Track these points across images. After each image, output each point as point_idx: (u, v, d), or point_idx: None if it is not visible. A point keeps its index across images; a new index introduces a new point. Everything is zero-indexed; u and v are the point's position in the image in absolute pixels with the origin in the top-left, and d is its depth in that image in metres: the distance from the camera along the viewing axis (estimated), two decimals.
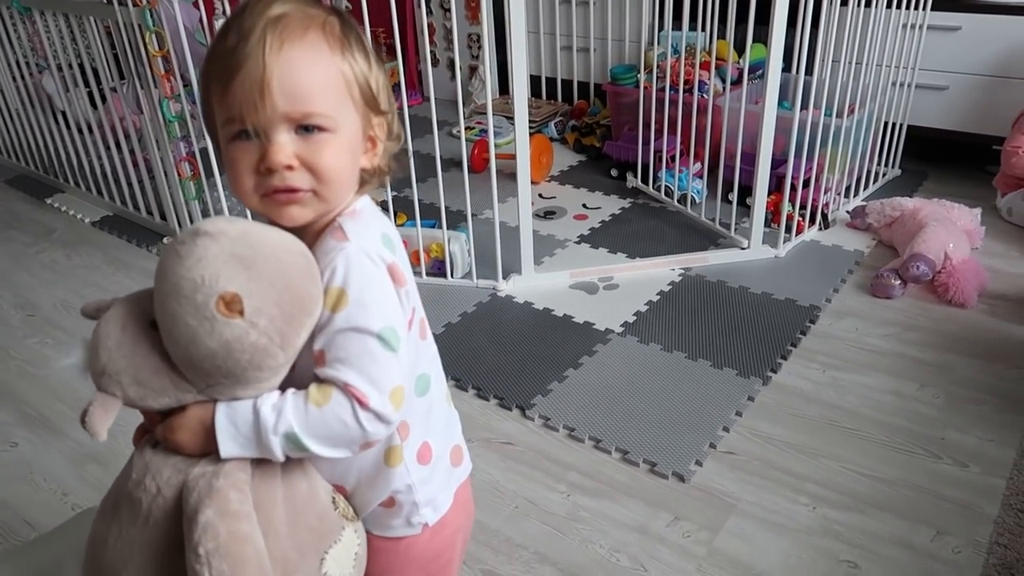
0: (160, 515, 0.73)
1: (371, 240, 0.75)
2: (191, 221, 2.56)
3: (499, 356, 1.95)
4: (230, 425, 0.72)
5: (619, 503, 1.51)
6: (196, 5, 2.36)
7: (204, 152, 2.29)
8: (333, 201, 0.75)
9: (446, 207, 2.19)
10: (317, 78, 0.72)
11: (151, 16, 2.15)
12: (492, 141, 2.07)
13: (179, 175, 2.42)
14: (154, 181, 2.58)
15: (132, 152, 2.62)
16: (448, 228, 2.24)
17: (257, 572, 0.69)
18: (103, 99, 2.63)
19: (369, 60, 0.77)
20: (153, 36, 2.17)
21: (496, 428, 1.72)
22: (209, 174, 2.33)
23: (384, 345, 0.71)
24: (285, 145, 0.71)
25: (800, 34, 2.13)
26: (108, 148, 2.70)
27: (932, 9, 2.52)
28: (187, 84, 2.30)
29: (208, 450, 0.72)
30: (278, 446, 0.71)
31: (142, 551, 0.73)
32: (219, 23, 2.05)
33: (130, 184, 2.71)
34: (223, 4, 2.03)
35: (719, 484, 1.54)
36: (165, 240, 0.64)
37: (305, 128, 0.72)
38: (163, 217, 2.65)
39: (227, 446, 0.72)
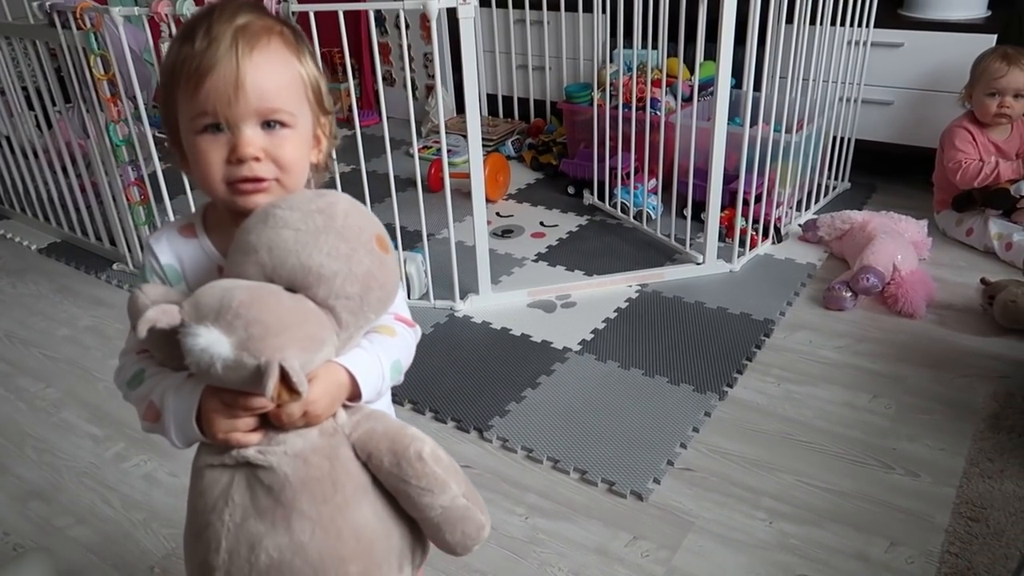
0: (344, 476, 0.79)
1: None
2: (140, 247, 2.51)
3: (457, 377, 1.93)
4: (365, 373, 0.82)
5: (578, 524, 1.51)
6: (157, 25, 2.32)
7: (153, 176, 2.25)
8: (292, 189, 0.84)
9: (403, 228, 2.17)
10: (282, 79, 0.82)
11: (96, 39, 2.11)
12: (446, 160, 2.06)
13: (128, 200, 2.37)
14: (102, 206, 2.53)
15: (79, 177, 2.57)
16: (405, 249, 2.22)
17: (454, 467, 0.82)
18: (49, 124, 2.57)
19: (317, 65, 0.89)
20: (98, 59, 2.13)
21: (454, 451, 1.68)
22: (159, 199, 2.28)
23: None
24: (254, 138, 0.80)
25: (748, 51, 2.17)
26: (55, 173, 2.64)
27: (875, 26, 2.59)
28: (136, 109, 2.26)
29: (334, 410, 0.80)
30: (388, 378, 0.86)
31: (353, 510, 0.79)
32: (165, 45, 2.02)
33: (78, 210, 2.65)
34: (169, 26, 1.99)
35: (677, 502, 1.54)
36: (281, 215, 0.76)
37: (269, 124, 0.81)
38: (112, 243, 2.59)
39: (368, 390, 0.82)
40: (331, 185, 2.06)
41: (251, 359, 0.70)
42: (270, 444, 0.77)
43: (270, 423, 0.77)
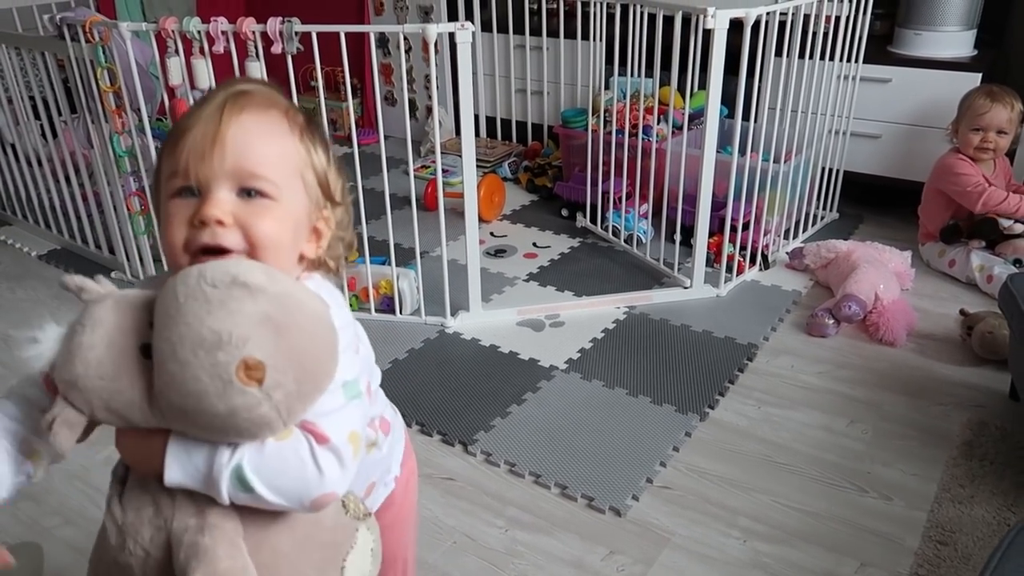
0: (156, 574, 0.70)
1: (337, 301, 0.80)
2: (140, 256, 2.55)
3: (444, 392, 1.97)
4: (183, 452, 0.68)
5: (556, 537, 1.54)
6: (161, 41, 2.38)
7: (152, 184, 2.30)
8: None
9: (398, 244, 2.22)
10: (270, 147, 0.74)
11: (103, 52, 2.17)
12: (440, 180, 2.11)
13: (128, 210, 2.42)
14: (103, 215, 2.57)
15: (82, 186, 2.61)
16: (399, 265, 2.27)
17: None
18: (54, 133, 2.63)
19: (328, 156, 0.80)
20: (105, 72, 2.19)
21: (438, 464, 1.74)
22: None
23: (346, 392, 0.74)
24: (223, 201, 0.71)
25: (739, 83, 2.23)
26: (58, 182, 2.69)
27: (864, 62, 2.66)
28: (140, 121, 2.31)
29: (149, 469, 0.70)
30: (226, 482, 0.68)
31: None
32: (172, 60, 2.08)
33: (79, 218, 2.70)
34: (175, 41, 2.05)
35: (654, 518, 1.57)
36: (195, 272, 0.63)
37: (248, 192, 0.73)
38: (111, 251, 2.63)
39: (173, 472, 0.69)
40: None
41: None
42: (134, 518, 0.73)
43: None
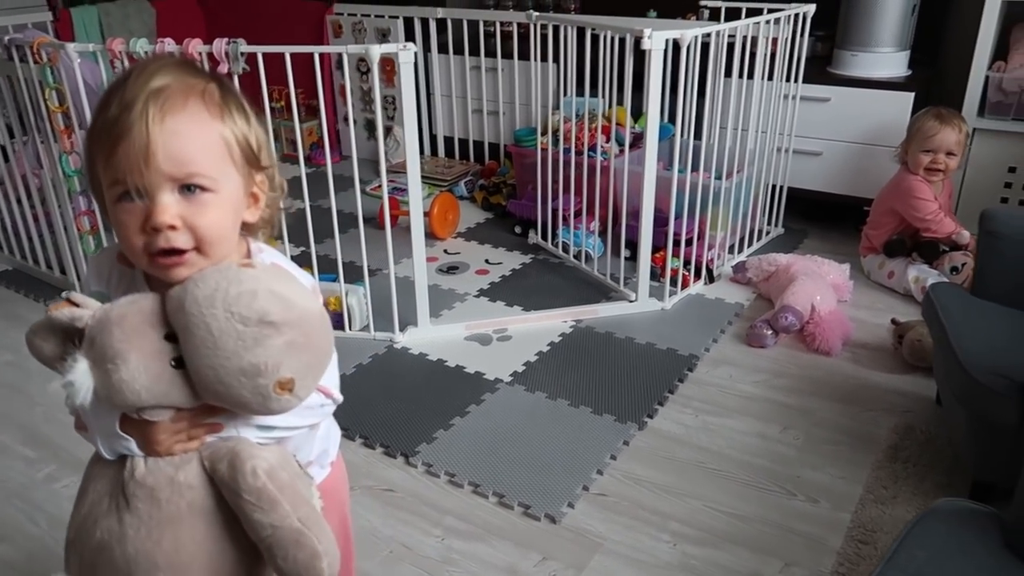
0: (192, 493, 0.83)
1: (293, 266, 0.93)
2: None
3: (389, 406, 1.99)
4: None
5: (491, 545, 1.56)
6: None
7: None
8: (216, 257, 0.82)
9: (352, 262, 2.25)
10: (198, 143, 0.79)
11: (52, 73, 2.19)
12: (386, 197, 2.15)
13: (78, 229, 2.43)
14: (54, 235, 2.58)
15: (33, 207, 2.62)
16: (348, 282, 2.30)
17: (298, 482, 0.85)
18: (5, 157, 2.63)
19: (248, 120, 0.85)
20: (53, 92, 2.21)
21: (379, 475, 1.76)
22: (108, 228, 2.35)
23: None
24: (169, 206, 0.78)
25: (684, 104, 2.30)
26: (10, 203, 2.69)
27: (805, 82, 2.75)
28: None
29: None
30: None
31: (182, 524, 0.83)
32: None
33: (30, 239, 2.70)
34: (123, 61, 2.08)
35: (588, 524, 1.61)
36: (220, 307, 0.75)
37: (188, 188, 0.78)
38: (63, 271, 2.63)
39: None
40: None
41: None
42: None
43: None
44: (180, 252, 0.79)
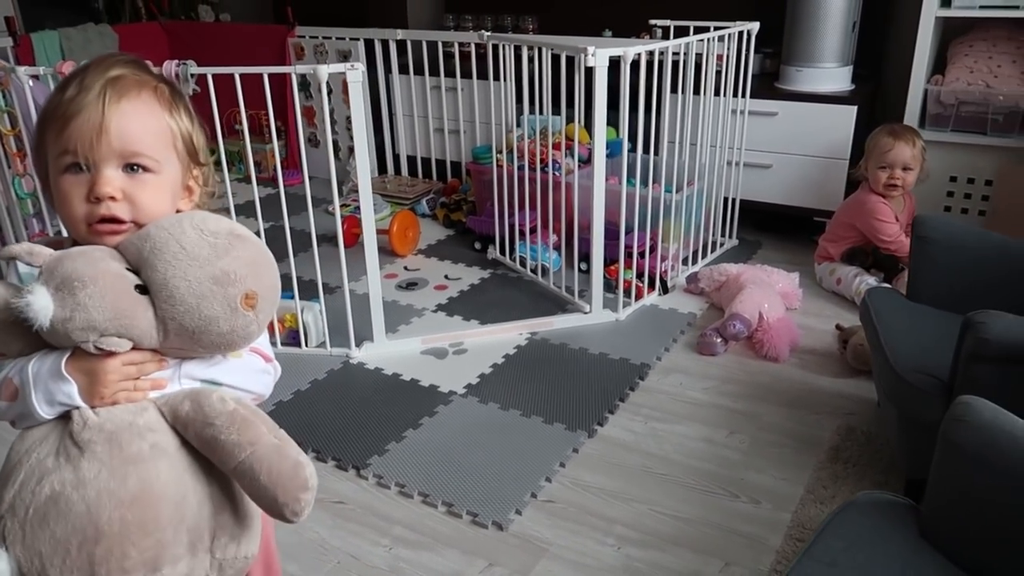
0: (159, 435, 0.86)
1: None
2: None
3: (343, 420, 2.01)
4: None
5: (438, 553, 1.58)
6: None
7: (57, 231, 2.32)
8: None
9: (311, 280, 2.28)
10: (147, 127, 0.88)
11: (3, 96, 2.21)
12: (339, 215, 2.18)
13: None
14: None
15: None
16: (304, 299, 2.32)
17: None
18: None
19: (192, 121, 0.95)
20: (5, 115, 2.22)
21: (330, 488, 1.77)
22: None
23: None
24: (113, 178, 0.86)
25: (628, 119, 2.36)
26: None
27: (753, 97, 2.83)
28: None
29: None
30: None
31: (147, 463, 0.84)
32: None
33: None
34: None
35: (535, 531, 1.63)
36: (188, 226, 0.84)
37: (132, 167, 0.87)
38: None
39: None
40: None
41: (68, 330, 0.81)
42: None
43: None
44: (119, 221, 0.86)
